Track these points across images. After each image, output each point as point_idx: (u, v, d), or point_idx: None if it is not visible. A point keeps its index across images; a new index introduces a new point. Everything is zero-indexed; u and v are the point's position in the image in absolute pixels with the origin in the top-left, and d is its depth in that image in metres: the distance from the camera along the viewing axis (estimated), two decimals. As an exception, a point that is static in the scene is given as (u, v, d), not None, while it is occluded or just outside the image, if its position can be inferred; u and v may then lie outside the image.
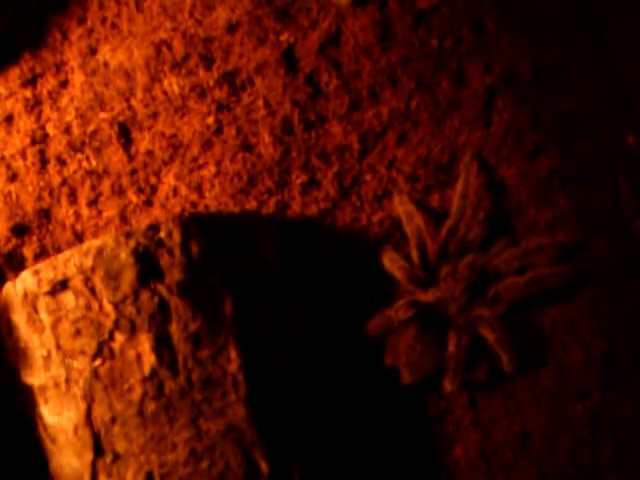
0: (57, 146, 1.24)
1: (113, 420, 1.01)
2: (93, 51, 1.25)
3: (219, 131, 1.21)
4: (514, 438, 1.14)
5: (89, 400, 1.02)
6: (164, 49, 1.23)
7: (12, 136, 1.25)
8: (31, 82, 1.26)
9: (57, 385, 1.04)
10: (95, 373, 1.02)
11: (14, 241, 1.23)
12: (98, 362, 1.02)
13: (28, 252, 1.22)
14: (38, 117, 1.25)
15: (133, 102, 1.23)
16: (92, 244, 1.02)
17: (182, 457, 1.01)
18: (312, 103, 1.19)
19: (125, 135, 1.23)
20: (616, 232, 1.13)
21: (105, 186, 1.22)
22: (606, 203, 1.14)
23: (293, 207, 1.19)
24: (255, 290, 1.07)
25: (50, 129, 1.25)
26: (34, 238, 1.23)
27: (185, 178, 1.21)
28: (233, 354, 1.01)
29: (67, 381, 1.03)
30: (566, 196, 1.14)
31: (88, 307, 1.02)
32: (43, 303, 1.04)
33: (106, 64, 1.24)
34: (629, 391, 1.11)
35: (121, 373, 1.01)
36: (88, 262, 1.01)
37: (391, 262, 1.15)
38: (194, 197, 1.21)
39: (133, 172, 1.22)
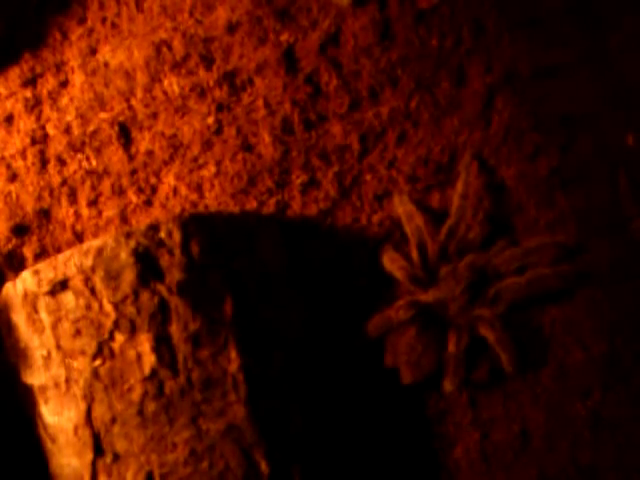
0: (57, 146, 1.24)
1: (113, 420, 1.01)
2: (93, 51, 1.25)
3: (219, 131, 1.21)
4: (514, 438, 1.13)
5: (89, 400, 1.02)
6: (164, 49, 1.23)
7: (12, 136, 1.25)
8: (31, 82, 1.26)
9: (57, 385, 1.04)
10: (95, 373, 1.02)
11: (14, 241, 1.23)
12: (98, 362, 1.02)
13: (28, 252, 1.22)
14: (38, 117, 1.25)
15: (133, 102, 1.23)
16: (92, 244, 1.02)
17: (182, 457, 1.01)
18: (312, 103, 1.19)
19: (125, 135, 1.23)
20: (616, 232, 1.13)
21: (105, 186, 1.22)
22: (606, 203, 1.14)
23: (293, 207, 1.19)
24: (255, 290, 1.07)
25: (50, 129, 1.25)
26: (34, 238, 1.23)
27: (185, 178, 1.21)
28: (233, 354, 1.01)
29: (67, 381, 1.03)
30: (566, 196, 1.14)
31: (88, 307, 1.02)
32: (43, 303, 1.04)
33: (106, 64, 1.24)
34: (629, 391, 1.11)
35: (121, 373, 1.01)
36: (88, 262, 1.01)
37: (391, 262, 1.15)
38: (194, 197, 1.21)
39: (133, 172, 1.22)
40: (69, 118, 1.24)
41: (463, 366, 1.10)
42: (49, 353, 1.04)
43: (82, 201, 1.23)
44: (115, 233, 1.02)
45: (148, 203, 1.22)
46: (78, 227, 1.23)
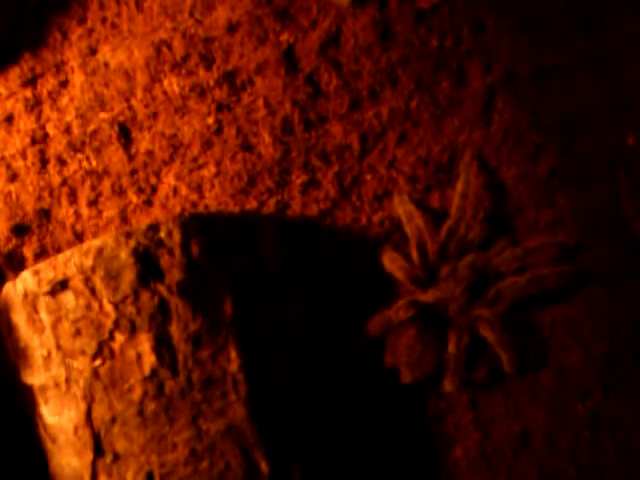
0: (57, 146, 1.24)
1: (113, 420, 1.01)
2: (93, 51, 1.25)
3: (219, 131, 1.21)
4: (514, 438, 1.14)
5: (89, 400, 1.02)
6: (164, 49, 1.23)
7: (12, 136, 1.25)
8: (31, 82, 1.26)
9: (57, 385, 1.04)
10: (95, 373, 1.02)
11: (14, 241, 1.23)
12: (98, 362, 1.02)
13: (28, 252, 1.22)
14: (38, 117, 1.25)
15: (133, 102, 1.23)
16: (92, 244, 1.02)
17: (182, 457, 1.01)
18: (312, 103, 1.19)
19: (125, 135, 1.23)
20: (616, 232, 1.13)
21: (105, 186, 1.22)
22: (606, 203, 1.14)
23: (293, 207, 1.19)
24: (255, 290, 1.07)
25: (50, 129, 1.25)
26: (34, 238, 1.23)
27: (185, 178, 1.21)
28: (233, 354, 1.01)
29: (67, 381, 1.03)
30: (566, 196, 1.14)
31: (88, 307, 1.02)
32: (43, 303, 1.04)
33: (106, 64, 1.24)
34: (629, 391, 1.11)
35: (121, 373, 1.01)
36: (88, 262, 1.01)
37: (391, 262, 1.15)
38: (194, 197, 1.21)
39: (133, 172, 1.22)
40: (69, 118, 1.24)
41: (463, 366, 1.10)
42: (49, 353, 1.04)
43: (82, 201, 1.23)
44: (115, 233, 1.02)
45: (148, 203, 1.22)
46: (78, 227, 1.23)
